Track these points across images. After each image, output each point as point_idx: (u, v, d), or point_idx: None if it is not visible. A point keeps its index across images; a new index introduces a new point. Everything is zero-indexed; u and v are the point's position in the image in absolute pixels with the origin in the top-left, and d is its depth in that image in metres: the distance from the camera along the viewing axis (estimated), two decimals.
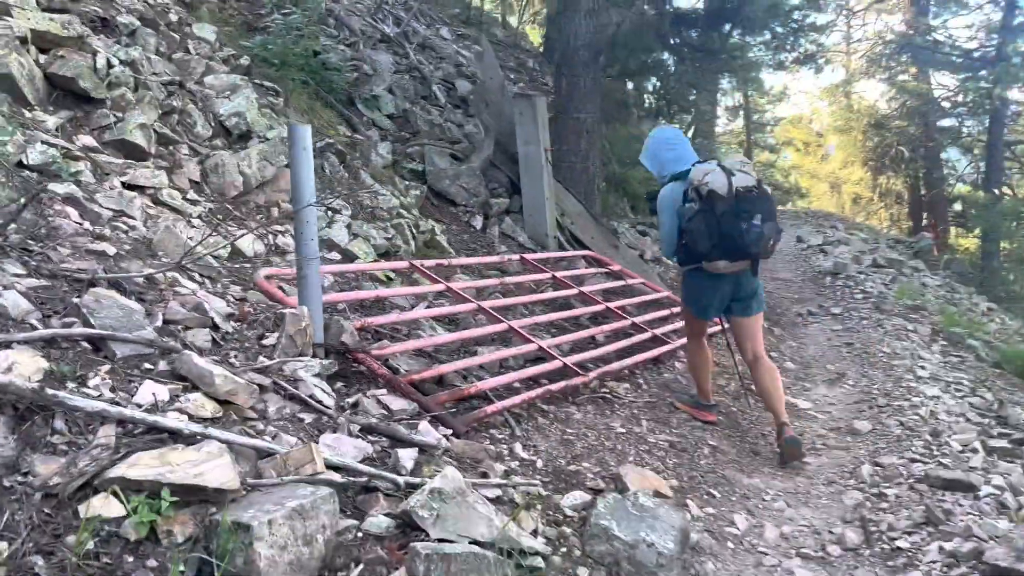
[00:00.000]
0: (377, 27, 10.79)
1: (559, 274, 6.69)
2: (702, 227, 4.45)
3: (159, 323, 3.31)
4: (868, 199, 25.75)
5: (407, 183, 7.48)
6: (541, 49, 16.88)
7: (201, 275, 4.06)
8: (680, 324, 6.42)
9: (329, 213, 6.03)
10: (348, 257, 5.82)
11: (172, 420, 2.71)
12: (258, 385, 3.26)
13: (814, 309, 9.08)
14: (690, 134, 18.85)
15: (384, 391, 3.86)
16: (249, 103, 5.84)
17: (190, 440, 2.69)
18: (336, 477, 2.86)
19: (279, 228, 5.56)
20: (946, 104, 20.09)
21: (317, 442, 3.09)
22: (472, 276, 6.64)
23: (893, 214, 24.48)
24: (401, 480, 3.01)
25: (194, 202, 5.07)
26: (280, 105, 7.01)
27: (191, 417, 2.86)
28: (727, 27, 10.09)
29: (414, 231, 6.65)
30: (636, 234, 9.68)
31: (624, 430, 4.56)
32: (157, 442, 2.66)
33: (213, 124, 5.75)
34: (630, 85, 11.95)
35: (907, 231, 21.75)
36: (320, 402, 3.47)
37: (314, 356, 3.84)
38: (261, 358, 3.51)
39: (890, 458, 4.65)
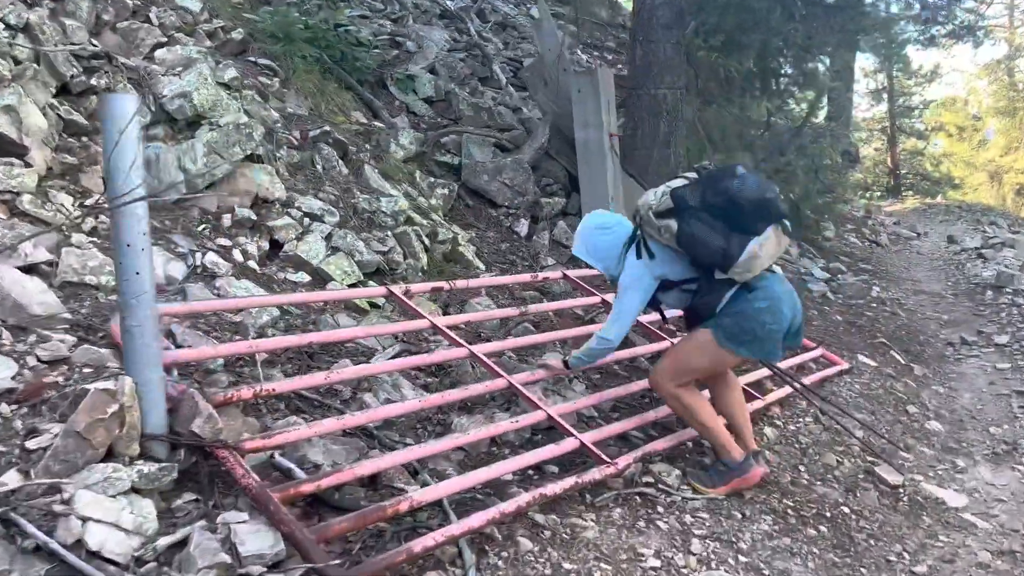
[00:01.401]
0: (437, 1, 9.42)
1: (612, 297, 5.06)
2: (698, 221, 3.24)
3: None
4: None
5: (434, 179, 6.05)
6: None
7: (5, 322, 2.76)
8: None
9: (305, 221, 4.69)
10: (320, 279, 4.46)
11: None
12: None
13: (970, 337, 6.98)
14: (821, 116, 16.40)
15: (246, 515, 2.44)
16: (201, 80, 4.56)
17: None
18: None
19: (225, 242, 4.26)
20: None
21: None
22: (498, 302, 5.14)
23: None
24: None
25: (97, 210, 3.82)
26: (275, 86, 5.74)
27: None
28: None
29: (427, 241, 5.21)
30: None
31: (659, 562, 2.95)
32: None
33: (154, 108, 4.52)
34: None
35: None
36: (96, 553, 2.09)
37: (141, 457, 2.47)
38: (11, 473, 2.16)
39: None
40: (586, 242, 3.64)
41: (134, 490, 2.34)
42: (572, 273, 5.14)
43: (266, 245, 4.47)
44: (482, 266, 5.54)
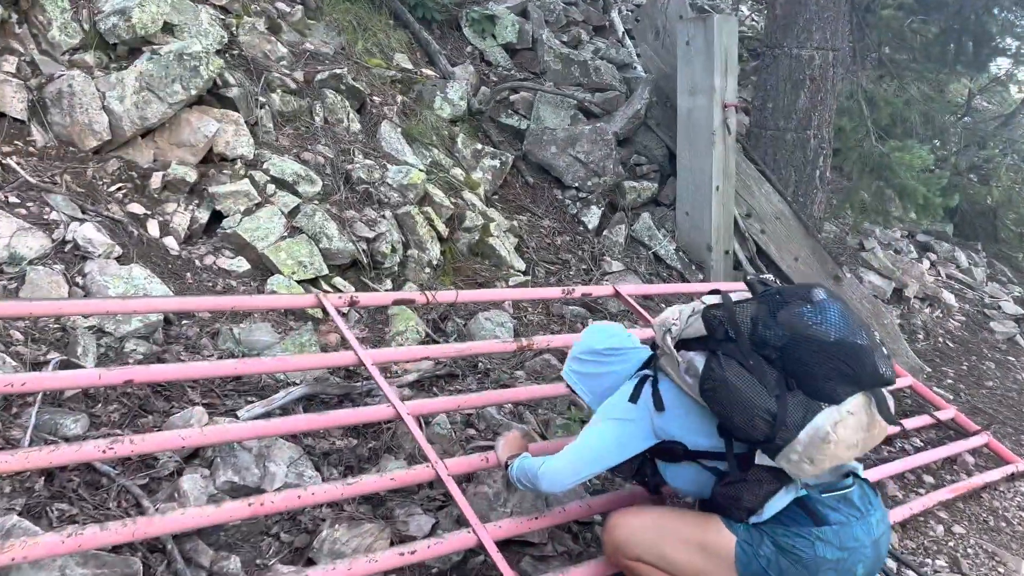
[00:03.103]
0: None
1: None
2: (737, 362, 1.87)
3: None
4: None
5: (484, 147, 4.75)
6: None
7: None
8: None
9: (269, 189, 3.56)
10: (264, 270, 3.34)
11: None
12: None
13: None
14: None
15: None
16: None
17: None
18: None
19: (138, 210, 3.22)
20: None
21: None
22: (524, 319, 3.83)
23: None
24: None
25: None
26: (296, 15, 4.63)
27: None
28: None
29: (443, 228, 3.96)
30: (892, 254, 5.96)
31: None
32: None
33: (87, 28, 3.52)
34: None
35: None
36: None
37: None
38: None
39: None
40: (581, 366, 2.27)
41: None
42: (627, 290, 3.72)
43: (204, 217, 3.39)
44: (520, 265, 4.22)
